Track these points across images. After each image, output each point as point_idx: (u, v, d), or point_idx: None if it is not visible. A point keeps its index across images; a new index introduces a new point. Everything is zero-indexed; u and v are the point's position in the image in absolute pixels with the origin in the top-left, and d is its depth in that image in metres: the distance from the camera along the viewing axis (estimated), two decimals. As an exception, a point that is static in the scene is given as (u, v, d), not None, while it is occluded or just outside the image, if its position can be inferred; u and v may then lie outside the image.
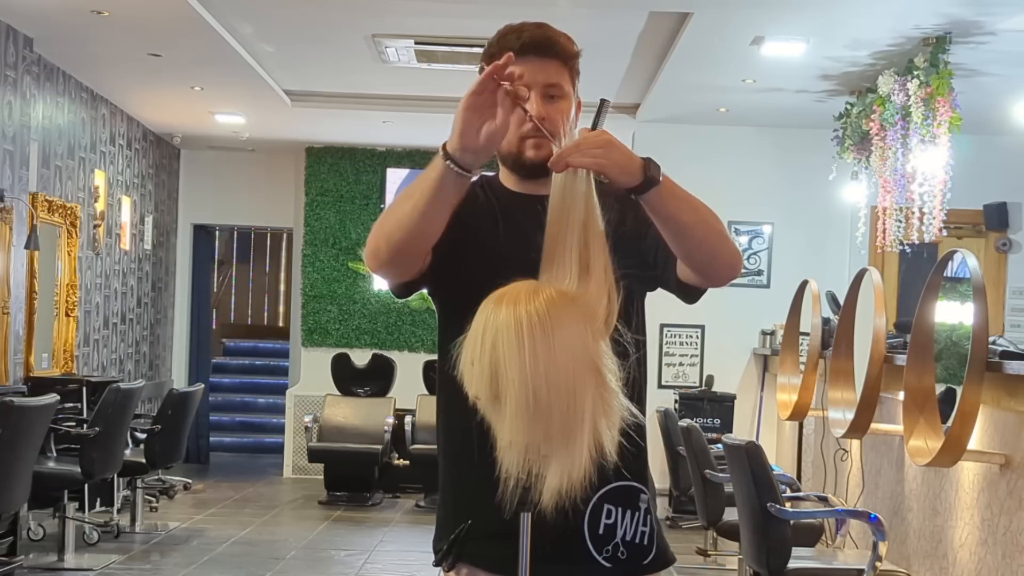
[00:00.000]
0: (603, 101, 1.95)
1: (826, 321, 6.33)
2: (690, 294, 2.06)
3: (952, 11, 5.82)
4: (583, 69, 2.12)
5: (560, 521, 1.85)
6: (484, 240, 2.03)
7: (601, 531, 2.02)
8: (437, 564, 2.09)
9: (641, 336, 2.05)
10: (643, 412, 1.99)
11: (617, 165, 1.81)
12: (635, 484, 2.05)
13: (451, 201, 1.88)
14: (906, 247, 6.93)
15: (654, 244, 2.00)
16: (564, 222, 1.86)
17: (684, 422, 6.01)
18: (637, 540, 2.05)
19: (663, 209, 1.87)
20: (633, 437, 1.91)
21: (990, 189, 8.42)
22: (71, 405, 7.17)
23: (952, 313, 4.92)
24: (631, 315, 1.99)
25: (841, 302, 5.78)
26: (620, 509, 2.03)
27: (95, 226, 8.59)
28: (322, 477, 9.27)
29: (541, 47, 2.03)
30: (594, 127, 1.89)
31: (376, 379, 9.67)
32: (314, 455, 9.22)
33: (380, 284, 10.40)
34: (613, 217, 1.91)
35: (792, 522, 4.30)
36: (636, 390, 1.93)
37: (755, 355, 8.86)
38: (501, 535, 1.96)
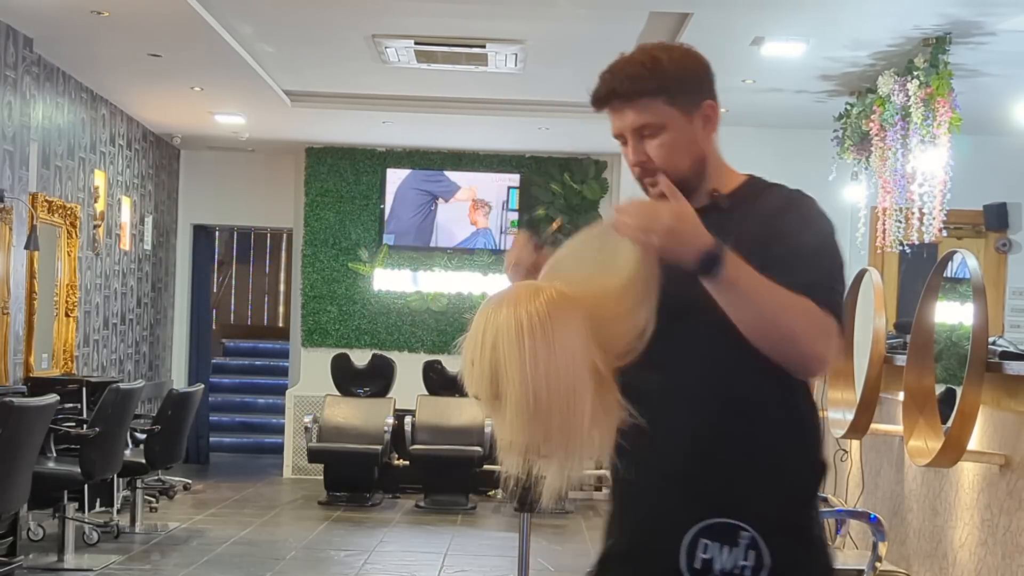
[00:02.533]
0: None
1: (826, 321, 6.31)
2: None
3: (952, 11, 5.82)
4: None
5: (656, 556, 1.88)
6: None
7: (698, 565, 1.93)
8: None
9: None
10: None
11: (671, 253, 1.83)
12: (730, 521, 1.92)
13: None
14: (906, 247, 6.93)
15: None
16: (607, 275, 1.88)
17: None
18: (737, 573, 1.93)
19: (718, 297, 1.86)
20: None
21: (990, 189, 8.41)
22: (71, 405, 7.16)
23: (952, 313, 4.91)
24: None
25: (841, 302, 5.77)
26: (718, 545, 1.93)
27: (95, 226, 8.58)
28: (322, 477, 9.27)
29: (619, 93, 1.99)
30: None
31: (376, 379, 9.66)
32: (314, 455, 9.22)
33: (380, 284, 10.41)
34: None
35: (792, 522, 4.29)
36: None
37: (755, 355, 8.85)
38: (625, 556, 1.98)
